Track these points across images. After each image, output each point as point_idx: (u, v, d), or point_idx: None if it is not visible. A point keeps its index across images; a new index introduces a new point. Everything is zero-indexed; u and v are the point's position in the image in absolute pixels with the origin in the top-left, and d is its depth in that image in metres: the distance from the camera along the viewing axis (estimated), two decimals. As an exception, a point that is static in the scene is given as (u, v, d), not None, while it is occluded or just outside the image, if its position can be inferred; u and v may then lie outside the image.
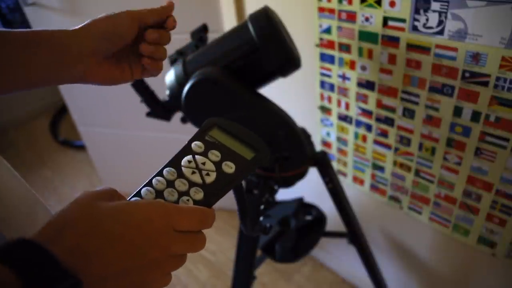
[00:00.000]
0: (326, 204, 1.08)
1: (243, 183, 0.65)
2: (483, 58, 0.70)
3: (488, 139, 0.77)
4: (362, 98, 0.98)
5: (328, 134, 1.16)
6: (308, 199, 1.15)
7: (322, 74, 1.05)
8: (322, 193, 1.02)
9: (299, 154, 0.82)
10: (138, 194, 0.35)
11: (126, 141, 1.77)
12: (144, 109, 0.85)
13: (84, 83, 0.49)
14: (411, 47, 0.80)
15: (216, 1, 1.24)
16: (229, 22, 1.23)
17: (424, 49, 0.78)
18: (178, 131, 1.12)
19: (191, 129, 0.60)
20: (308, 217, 1.11)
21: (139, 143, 1.74)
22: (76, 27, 0.46)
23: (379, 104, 0.95)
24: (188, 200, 0.35)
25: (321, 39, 0.99)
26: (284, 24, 0.79)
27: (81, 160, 2.37)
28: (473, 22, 0.68)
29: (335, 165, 1.19)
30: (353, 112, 1.03)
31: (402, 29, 0.80)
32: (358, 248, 1.07)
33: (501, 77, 0.69)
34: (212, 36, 0.83)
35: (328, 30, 0.95)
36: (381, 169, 1.05)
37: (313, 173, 0.92)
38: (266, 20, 0.71)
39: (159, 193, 0.35)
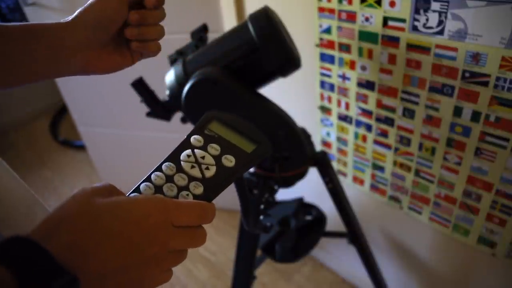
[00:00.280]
0: (326, 204, 1.08)
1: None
2: (483, 58, 0.70)
3: (488, 139, 0.77)
4: (362, 98, 0.98)
5: (328, 134, 1.15)
6: (308, 199, 1.15)
7: (322, 74, 1.05)
8: (322, 193, 1.02)
9: (299, 154, 0.82)
10: (137, 189, 0.34)
11: (126, 141, 1.77)
12: (144, 109, 0.85)
13: (86, 75, 0.48)
14: (411, 47, 0.80)
15: (216, 1, 1.24)
16: (229, 22, 1.23)
17: (424, 49, 0.78)
18: (178, 131, 1.11)
19: (191, 129, 0.60)
20: (308, 217, 1.11)
21: (139, 143, 1.74)
22: (68, 19, 0.45)
23: (379, 104, 0.95)
24: (187, 195, 0.34)
25: (321, 39, 0.99)
26: (284, 24, 0.79)
27: (81, 160, 2.37)
28: (473, 22, 0.68)
29: (335, 165, 1.19)
30: (353, 112, 1.03)
31: (402, 29, 0.80)
32: (358, 248, 1.07)
33: (501, 77, 0.69)
34: (212, 36, 0.83)
35: (328, 30, 0.95)
36: (381, 169, 1.05)
37: (313, 173, 0.92)
38: (266, 20, 0.71)
39: (158, 188, 0.34)
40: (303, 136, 0.83)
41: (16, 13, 2.44)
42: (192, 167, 0.35)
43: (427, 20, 0.75)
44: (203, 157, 0.36)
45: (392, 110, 0.93)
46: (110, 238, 0.28)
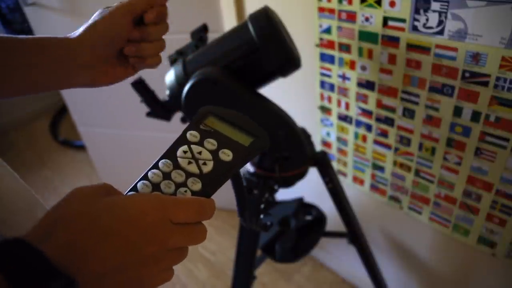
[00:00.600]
0: (326, 204, 1.08)
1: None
2: (483, 58, 0.70)
3: (488, 139, 0.77)
4: (362, 98, 0.98)
5: (328, 134, 1.16)
6: (308, 199, 1.15)
7: (322, 74, 1.05)
8: (322, 193, 1.02)
9: (299, 154, 0.82)
10: (134, 188, 0.34)
11: (126, 141, 1.77)
12: (144, 109, 0.85)
13: (93, 87, 0.50)
14: (411, 47, 0.80)
15: (216, 1, 1.24)
16: (229, 22, 1.23)
17: (424, 49, 0.78)
18: (178, 131, 1.11)
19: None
20: (308, 217, 1.11)
21: (139, 143, 1.74)
22: (77, 34, 0.46)
23: (379, 104, 0.95)
24: (186, 191, 0.34)
25: (321, 39, 0.99)
26: (284, 24, 0.79)
27: (81, 160, 2.37)
28: (473, 22, 0.68)
29: (335, 165, 1.19)
30: (353, 112, 1.03)
31: (402, 29, 0.80)
32: (358, 248, 1.07)
33: (501, 77, 0.69)
34: (212, 36, 0.83)
35: (328, 30, 0.95)
36: (381, 169, 1.05)
37: (313, 173, 0.92)
38: (266, 20, 0.71)
39: (155, 186, 0.34)
40: (303, 136, 0.83)
41: (16, 13, 2.44)
42: (189, 163, 0.35)
43: (427, 20, 0.75)
44: (200, 153, 0.35)
45: (392, 110, 0.93)
46: (107, 237, 0.28)
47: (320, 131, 1.17)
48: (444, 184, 0.91)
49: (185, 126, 0.39)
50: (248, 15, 0.73)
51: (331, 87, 1.05)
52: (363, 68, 0.93)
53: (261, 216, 0.81)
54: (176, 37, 0.95)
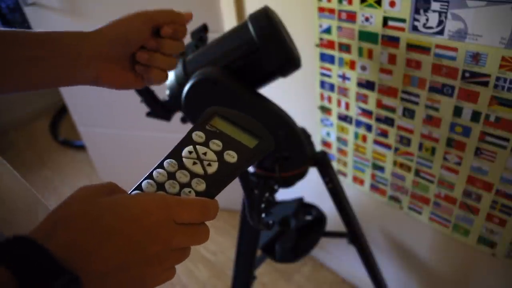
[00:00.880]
0: (326, 204, 1.08)
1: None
2: (483, 58, 0.70)
3: (488, 139, 0.77)
4: (362, 98, 0.98)
5: (328, 134, 1.16)
6: (308, 199, 1.15)
7: (322, 74, 1.05)
8: (322, 193, 1.02)
9: (299, 154, 0.82)
10: (139, 187, 0.34)
11: (126, 141, 1.77)
12: (144, 109, 0.85)
13: (97, 86, 0.49)
14: (411, 47, 0.80)
15: (216, 1, 1.24)
16: (229, 22, 1.23)
17: (424, 49, 0.78)
18: (178, 131, 1.11)
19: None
20: (308, 217, 1.11)
21: (139, 143, 1.74)
22: (89, 31, 0.46)
23: (379, 104, 0.95)
24: (190, 191, 0.34)
25: (321, 39, 0.99)
26: (284, 24, 0.79)
27: (81, 160, 2.37)
28: (473, 22, 0.68)
29: (335, 165, 1.19)
30: (353, 112, 1.03)
31: (402, 29, 0.80)
32: (358, 248, 1.07)
33: (501, 77, 0.69)
34: (212, 36, 0.83)
35: (328, 30, 0.95)
36: (381, 169, 1.05)
37: (313, 173, 0.92)
38: (266, 20, 0.71)
39: (160, 186, 0.34)
40: (303, 136, 0.83)
41: (16, 13, 2.44)
42: (194, 163, 0.35)
43: (427, 20, 0.75)
44: (205, 153, 0.36)
45: (392, 110, 0.93)
46: (110, 236, 0.28)
47: (320, 131, 1.17)
48: (444, 184, 0.91)
49: (185, 126, 0.39)
50: (248, 15, 0.73)
51: (331, 87, 1.05)
52: (363, 68, 0.93)
53: (263, 215, 0.82)
54: (176, 37, 0.96)
